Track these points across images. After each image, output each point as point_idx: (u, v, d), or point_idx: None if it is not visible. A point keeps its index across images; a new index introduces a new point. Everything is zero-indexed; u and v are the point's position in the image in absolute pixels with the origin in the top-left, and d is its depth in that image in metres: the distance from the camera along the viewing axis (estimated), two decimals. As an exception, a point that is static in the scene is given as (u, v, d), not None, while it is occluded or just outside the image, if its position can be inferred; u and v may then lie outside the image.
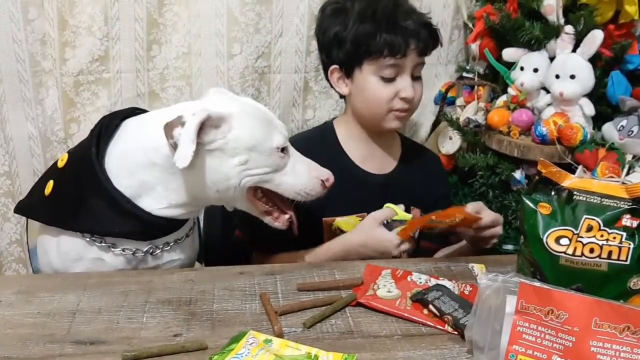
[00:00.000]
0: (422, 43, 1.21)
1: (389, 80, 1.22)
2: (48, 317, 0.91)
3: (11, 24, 1.45)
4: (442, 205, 1.37)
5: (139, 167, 1.03)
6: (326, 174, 1.10)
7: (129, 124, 1.09)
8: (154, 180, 1.04)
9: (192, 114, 0.96)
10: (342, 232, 1.26)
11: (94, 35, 1.49)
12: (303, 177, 1.08)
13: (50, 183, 1.08)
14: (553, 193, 0.90)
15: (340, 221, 1.28)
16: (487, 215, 1.17)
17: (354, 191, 1.28)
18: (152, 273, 1.07)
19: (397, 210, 1.20)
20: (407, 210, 1.29)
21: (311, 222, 1.28)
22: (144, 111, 1.15)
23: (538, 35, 1.43)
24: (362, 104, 1.27)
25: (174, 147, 0.96)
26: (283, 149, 1.07)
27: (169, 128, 0.97)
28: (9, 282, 1.05)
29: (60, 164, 1.09)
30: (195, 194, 1.06)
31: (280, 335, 0.87)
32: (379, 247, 1.16)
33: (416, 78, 1.26)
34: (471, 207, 1.16)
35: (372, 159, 1.32)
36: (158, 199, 1.05)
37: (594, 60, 1.40)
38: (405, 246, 1.16)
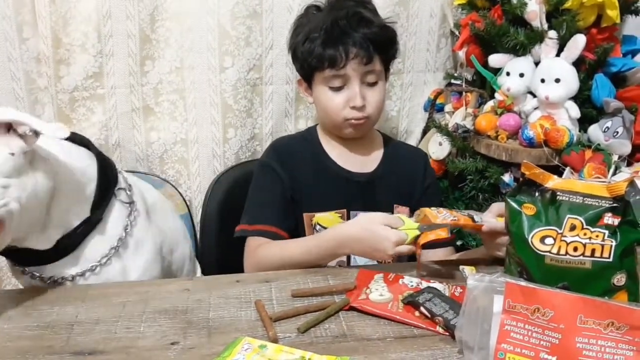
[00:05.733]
0: (364, 52, 1.23)
1: (338, 89, 1.27)
2: (47, 329, 0.93)
3: (6, 43, 1.47)
4: (431, 194, 1.39)
5: None
6: None
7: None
8: None
9: None
10: (322, 227, 1.29)
11: (87, 52, 1.51)
12: None
13: None
14: (537, 194, 0.92)
15: (320, 217, 1.30)
16: (490, 223, 1.08)
17: (335, 189, 1.31)
18: (150, 284, 1.09)
19: (405, 220, 1.11)
20: (391, 209, 1.31)
21: (294, 216, 1.31)
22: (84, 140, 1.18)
23: (523, 40, 1.46)
24: (321, 113, 1.34)
25: None
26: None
27: None
28: (7, 296, 1.07)
29: None
30: None
31: (275, 340, 0.88)
32: (375, 244, 1.08)
33: (372, 84, 1.28)
34: (496, 208, 1.11)
35: (353, 158, 1.35)
36: None
37: (578, 63, 1.43)
38: (403, 248, 1.07)
